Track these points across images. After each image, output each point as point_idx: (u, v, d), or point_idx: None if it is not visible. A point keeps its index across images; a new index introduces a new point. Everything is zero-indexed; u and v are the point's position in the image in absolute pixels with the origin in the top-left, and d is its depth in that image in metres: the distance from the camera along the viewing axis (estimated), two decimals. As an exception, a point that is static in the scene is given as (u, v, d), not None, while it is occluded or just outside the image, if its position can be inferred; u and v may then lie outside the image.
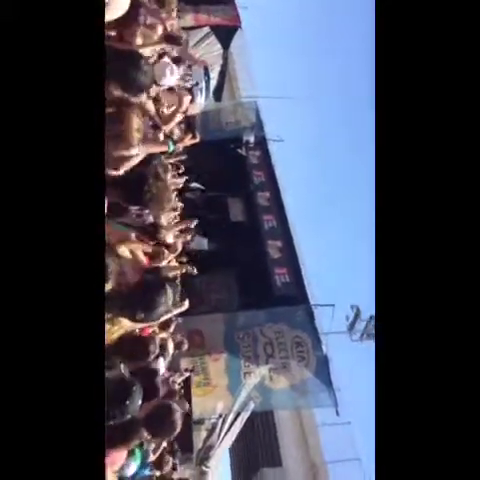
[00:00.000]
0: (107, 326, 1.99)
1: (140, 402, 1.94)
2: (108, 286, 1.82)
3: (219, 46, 10.15)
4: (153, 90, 3.09)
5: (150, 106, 2.84)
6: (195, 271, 4.10)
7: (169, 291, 2.04)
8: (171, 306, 2.23)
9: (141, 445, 3.20)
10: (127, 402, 1.84)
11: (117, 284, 1.86)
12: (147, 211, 2.26)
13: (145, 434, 2.46)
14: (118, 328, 2.07)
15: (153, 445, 3.43)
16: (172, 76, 3.28)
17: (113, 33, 2.50)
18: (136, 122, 1.91)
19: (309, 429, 8.54)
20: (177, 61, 4.19)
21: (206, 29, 9.92)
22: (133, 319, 2.05)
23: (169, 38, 3.54)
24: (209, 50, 9.92)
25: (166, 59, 3.71)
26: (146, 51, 3.07)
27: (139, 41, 3.06)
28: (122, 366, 1.98)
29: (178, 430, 2.80)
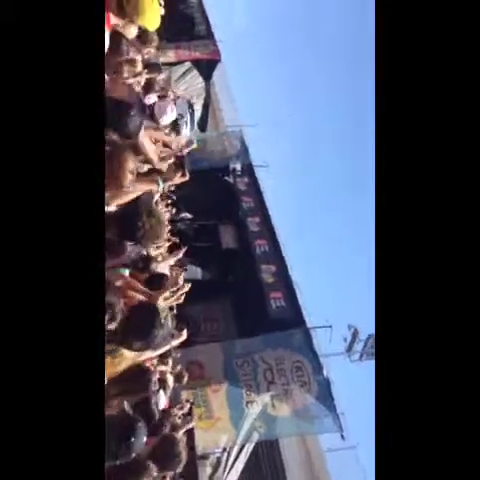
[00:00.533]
0: (108, 359, 1.98)
1: (145, 439, 1.92)
2: (114, 324, 1.83)
3: (201, 79, 10.45)
4: (152, 129, 3.16)
5: (147, 144, 2.89)
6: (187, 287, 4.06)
7: (162, 313, 2.05)
8: (168, 332, 2.23)
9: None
10: (132, 439, 1.83)
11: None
12: (139, 247, 2.28)
13: (154, 469, 2.41)
14: (120, 360, 2.06)
15: None
16: (172, 113, 3.36)
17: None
18: (130, 163, 1.96)
19: (315, 455, 8.34)
20: (163, 96, 4.31)
21: (188, 64, 10.22)
22: (132, 348, 2.05)
23: (149, 66, 3.65)
24: (192, 83, 10.20)
25: (168, 98, 3.82)
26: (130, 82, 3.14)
27: (125, 74, 3.15)
28: (125, 403, 1.96)
29: (184, 462, 2.76)
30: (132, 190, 2.53)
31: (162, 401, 3.54)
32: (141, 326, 2.03)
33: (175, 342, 3.05)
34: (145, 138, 2.78)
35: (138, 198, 2.18)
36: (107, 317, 1.79)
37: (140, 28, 3.13)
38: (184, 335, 3.08)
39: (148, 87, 3.71)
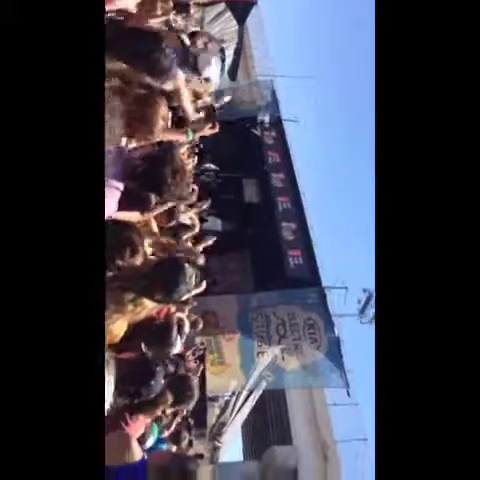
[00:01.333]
0: (130, 307, 2.03)
1: (163, 381, 2.00)
2: (139, 259, 1.83)
3: (235, 22, 9.90)
4: (192, 79, 3.04)
5: (183, 91, 2.78)
6: (211, 240, 4.09)
7: (189, 271, 2.05)
8: (191, 286, 2.25)
9: (158, 420, 3.32)
10: (152, 382, 1.89)
11: (140, 264, 1.88)
12: (166, 199, 2.25)
13: (170, 398, 2.56)
14: (141, 309, 2.10)
15: (166, 421, 3.55)
16: (216, 66, 3.20)
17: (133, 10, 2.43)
18: (163, 108, 1.89)
19: (320, 408, 8.67)
20: (193, 36, 4.13)
21: (222, 5, 9.66)
22: (153, 299, 2.08)
23: (178, 6, 3.45)
24: (225, 26, 9.68)
25: (212, 46, 3.62)
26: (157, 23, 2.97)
27: (158, 12, 2.98)
28: (143, 345, 2.02)
29: (195, 400, 2.92)
30: (161, 138, 2.48)
31: (178, 345, 3.69)
32: (166, 281, 2.02)
33: (194, 292, 3.11)
34: (182, 83, 2.68)
35: (165, 151, 2.13)
36: (128, 253, 1.78)
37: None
38: (203, 286, 3.14)
39: (194, 35, 3.52)
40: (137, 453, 1.73)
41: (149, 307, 2.17)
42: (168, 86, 2.04)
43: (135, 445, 1.78)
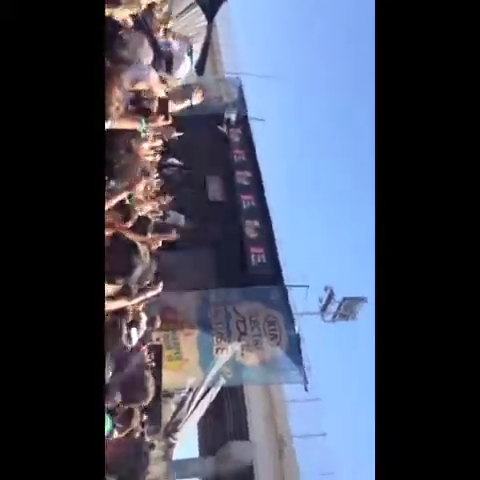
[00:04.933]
0: None
1: (111, 377, 1.94)
2: None
3: (203, 18, 9.83)
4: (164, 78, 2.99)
5: (156, 81, 2.73)
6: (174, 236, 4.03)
7: (143, 248, 2.04)
8: (147, 266, 2.21)
9: (112, 412, 3.27)
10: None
11: None
12: (114, 183, 2.22)
13: (118, 397, 2.51)
14: None
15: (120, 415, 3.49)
16: (186, 68, 3.20)
17: None
18: (117, 92, 1.87)
19: (278, 404, 8.78)
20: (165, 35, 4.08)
21: (190, -1, 9.59)
22: (115, 284, 2.06)
23: None
24: (193, 21, 9.60)
25: (182, 46, 3.59)
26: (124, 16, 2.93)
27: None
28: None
29: (150, 397, 2.88)
30: (116, 125, 2.44)
31: (134, 339, 3.63)
32: (122, 261, 2.01)
33: (150, 294, 3.09)
34: (154, 82, 2.62)
35: (118, 134, 2.10)
36: None
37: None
38: (160, 287, 3.13)
39: (166, 33, 3.48)
40: None
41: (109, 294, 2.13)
42: (141, 86, 2.02)
43: None
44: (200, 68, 10.34)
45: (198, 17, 9.79)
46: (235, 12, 11.85)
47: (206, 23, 9.94)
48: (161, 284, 3.14)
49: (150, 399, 2.94)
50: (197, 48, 9.71)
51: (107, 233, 2.76)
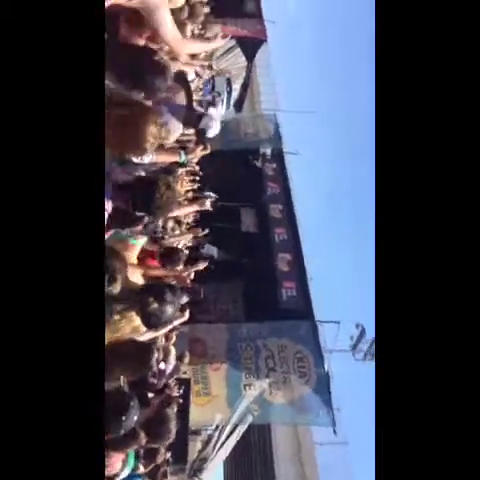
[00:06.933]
0: (116, 317, 2.00)
1: (136, 417, 1.91)
2: (117, 286, 1.81)
3: (243, 58, 10.27)
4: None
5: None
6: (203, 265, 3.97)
7: (172, 293, 2.03)
8: (175, 310, 2.20)
9: (136, 451, 3.22)
10: (123, 418, 1.82)
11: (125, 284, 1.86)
12: (152, 219, 2.27)
13: (143, 438, 2.46)
14: (125, 323, 2.05)
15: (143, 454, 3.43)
16: (216, 128, 3.33)
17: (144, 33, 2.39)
18: (152, 126, 1.91)
19: (305, 446, 8.45)
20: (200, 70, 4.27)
21: (232, 41, 10.05)
22: (143, 312, 2.01)
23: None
24: (234, 61, 10.04)
25: (212, 109, 3.77)
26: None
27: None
28: (122, 379, 1.97)
29: (173, 437, 2.81)
30: (154, 160, 2.51)
31: (154, 368, 3.62)
32: (157, 293, 2.00)
33: (177, 322, 3.09)
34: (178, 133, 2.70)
35: (157, 170, 2.16)
36: (106, 279, 1.75)
37: (188, 1, 3.08)
38: (186, 316, 3.11)
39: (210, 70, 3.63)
40: None
41: (134, 324, 2.11)
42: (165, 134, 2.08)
43: None
44: (239, 105, 10.73)
45: (239, 58, 10.25)
46: (274, 52, 12.26)
47: (246, 63, 10.39)
48: (187, 312, 3.10)
49: (171, 440, 2.86)
50: (237, 86, 10.11)
51: (140, 272, 2.80)
